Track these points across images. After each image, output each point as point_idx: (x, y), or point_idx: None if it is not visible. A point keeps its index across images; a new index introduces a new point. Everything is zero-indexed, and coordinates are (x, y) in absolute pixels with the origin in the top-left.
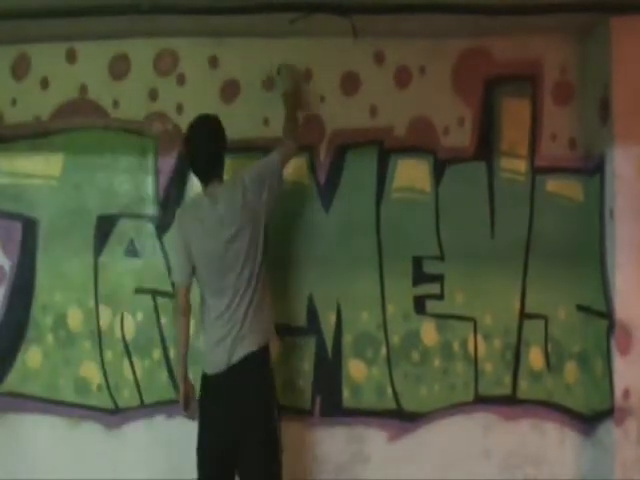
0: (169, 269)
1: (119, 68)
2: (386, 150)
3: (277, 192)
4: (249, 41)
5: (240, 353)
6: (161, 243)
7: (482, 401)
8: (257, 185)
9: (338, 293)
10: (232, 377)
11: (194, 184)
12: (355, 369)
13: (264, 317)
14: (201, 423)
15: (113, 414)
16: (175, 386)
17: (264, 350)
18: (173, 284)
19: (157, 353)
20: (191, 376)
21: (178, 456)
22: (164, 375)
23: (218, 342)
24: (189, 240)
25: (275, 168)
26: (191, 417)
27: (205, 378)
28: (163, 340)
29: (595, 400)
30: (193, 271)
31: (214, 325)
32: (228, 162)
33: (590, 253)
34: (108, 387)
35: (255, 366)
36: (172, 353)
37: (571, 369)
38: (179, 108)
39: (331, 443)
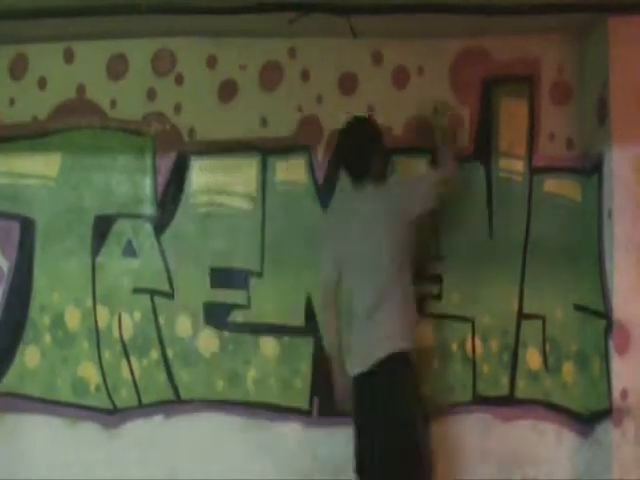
0: (167, 269)
1: (117, 68)
2: None
3: (428, 208)
4: (247, 41)
5: (379, 354)
6: (159, 243)
7: (480, 401)
8: (407, 196)
9: None
10: (372, 379)
11: (192, 184)
12: None
13: (407, 321)
14: (354, 426)
15: (111, 414)
16: (173, 386)
17: (405, 354)
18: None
19: (155, 353)
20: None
21: (177, 456)
22: (162, 375)
23: (360, 342)
24: (336, 236)
25: (429, 184)
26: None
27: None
28: (161, 340)
29: (593, 400)
30: (339, 268)
31: (358, 324)
32: (228, 162)
33: (588, 253)
34: (106, 387)
35: (394, 369)
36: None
37: (569, 369)
38: (177, 108)
39: (330, 443)
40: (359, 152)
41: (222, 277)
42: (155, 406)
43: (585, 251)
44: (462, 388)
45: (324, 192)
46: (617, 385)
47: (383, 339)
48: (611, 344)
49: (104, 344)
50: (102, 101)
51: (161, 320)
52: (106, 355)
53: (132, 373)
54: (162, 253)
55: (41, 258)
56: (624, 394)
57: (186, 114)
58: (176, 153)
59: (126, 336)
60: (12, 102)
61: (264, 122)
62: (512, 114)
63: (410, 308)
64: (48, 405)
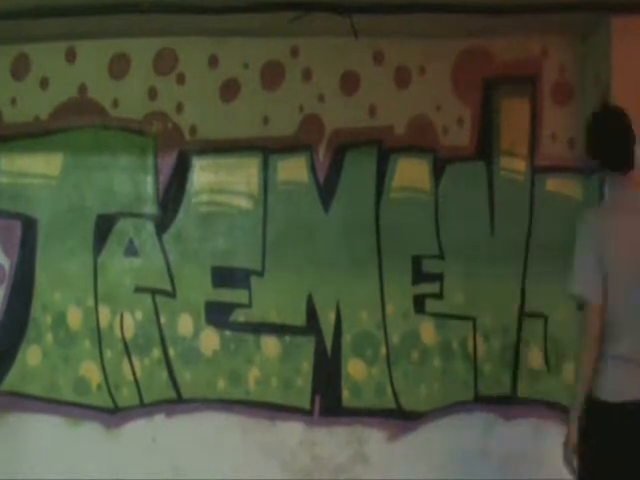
0: (169, 268)
1: (119, 67)
2: (386, 150)
3: None
4: (249, 40)
5: None
6: (160, 242)
7: (481, 400)
8: None
9: (338, 293)
10: None
11: (194, 183)
12: (355, 368)
13: None
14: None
15: (113, 413)
16: (174, 386)
17: None
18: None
19: (156, 352)
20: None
21: (178, 456)
22: (163, 374)
23: (627, 364)
24: (604, 243)
25: None
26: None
27: (600, 404)
28: (162, 339)
29: None
30: (604, 282)
31: (621, 343)
32: (229, 161)
33: None
34: (108, 386)
35: None
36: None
37: (570, 368)
38: (179, 107)
39: (331, 443)
40: (622, 142)
41: (223, 276)
42: (156, 405)
43: None
44: (463, 387)
45: (325, 191)
46: None
47: None
48: None
49: (106, 343)
50: (104, 100)
51: (162, 319)
52: (108, 354)
53: (134, 372)
54: (164, 252)
55: (43, 257)
56: None
57: (188, 113)
58: (178, 152)
59: (128, 335)
60: (14, 102)
61: (266, 121)
62: (514, 114)
63: None
64: (50, 404)
